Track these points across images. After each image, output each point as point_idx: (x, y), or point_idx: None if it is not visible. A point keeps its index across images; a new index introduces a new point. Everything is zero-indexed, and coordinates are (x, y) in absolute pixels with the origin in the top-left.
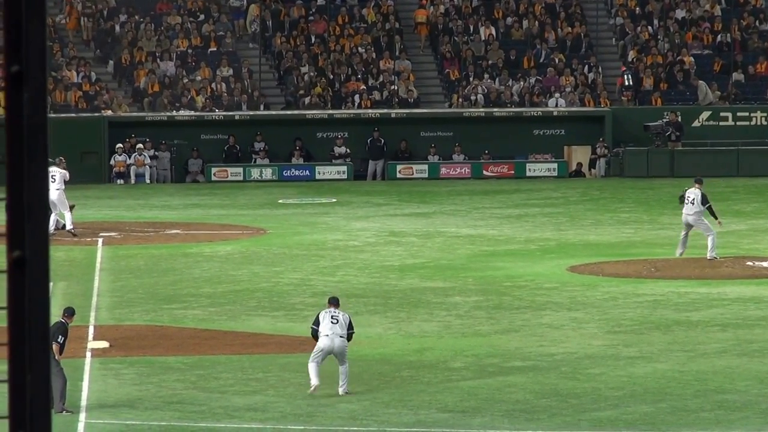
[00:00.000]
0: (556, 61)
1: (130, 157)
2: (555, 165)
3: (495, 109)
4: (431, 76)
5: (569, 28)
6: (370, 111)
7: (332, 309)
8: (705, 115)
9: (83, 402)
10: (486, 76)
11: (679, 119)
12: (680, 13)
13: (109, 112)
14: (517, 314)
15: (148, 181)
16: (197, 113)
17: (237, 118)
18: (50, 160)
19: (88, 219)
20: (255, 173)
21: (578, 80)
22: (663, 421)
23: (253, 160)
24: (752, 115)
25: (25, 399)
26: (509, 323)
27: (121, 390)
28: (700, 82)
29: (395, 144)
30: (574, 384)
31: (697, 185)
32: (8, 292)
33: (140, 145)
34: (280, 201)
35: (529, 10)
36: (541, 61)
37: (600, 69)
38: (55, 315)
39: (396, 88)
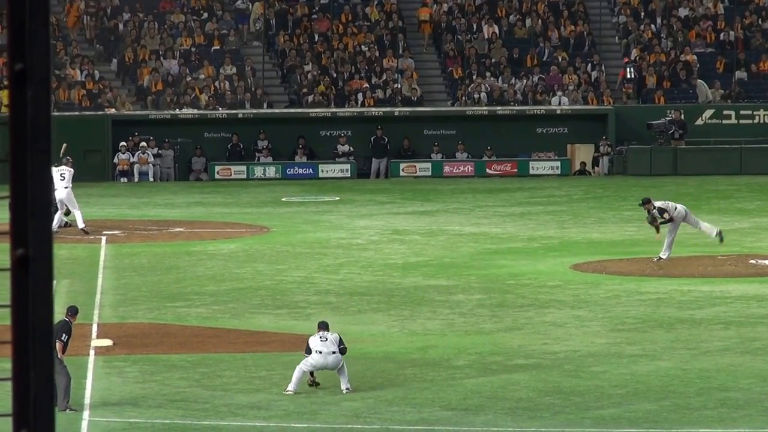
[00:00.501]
0: (559, 59)
1: (133, 156)
2: (558, 163)
3: (498, 108)
4: (434, 74)
5: (572, 27)
6: (373, 109)
7: (321, 332)
8: (708, 113)
9: (87, 400)
10: (489, 74)
11: (683, 117)
12: (683, 12)
13: (113, 111)
14: (521, 312)
15: (151, 179)
16: (200, 111)
17: (240, 116)
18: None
19: (92, 217)
20: (258, 171)
21: (581, 78)
22: (666, 419)
23: (257, 158)
24: (755, 113)
25: (28, 397)
26: (512, 321)
27: (124, 388)
28: (699, 81)
29: (398, 142)
30: (577, 382)
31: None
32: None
33: (143, 144)
34: (283, 199)
35: (532, 9)
36: (544, 59)
37: (603, 67)
38: (59, 313)
39: (399, 86)
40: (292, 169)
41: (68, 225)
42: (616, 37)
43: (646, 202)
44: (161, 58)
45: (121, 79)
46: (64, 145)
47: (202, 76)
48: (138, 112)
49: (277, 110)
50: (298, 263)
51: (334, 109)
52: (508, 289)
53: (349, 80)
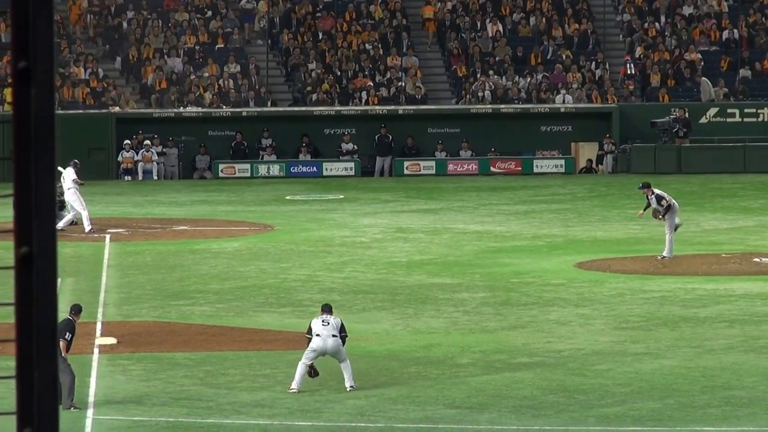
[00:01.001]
0: (563, 57)
1: (137, 154)
2: (562, 161)
3: (502, 106)
4: (438, 72)
5: (576, 25)
6: (377, 107)
7: (324, 315)
8: (712, 111)
9: (91, 398)
10: (493, 72)
11: (687, 115)
12: (687, 10)
13: (117, 109)
14: (525, 310)
15: (155, 177)
16: (205, 110)
17: (244, 114)
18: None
19: (96, 215)
20: (262, 170)
21: (585, 77)
22: (670, 418)
23: (261, 156)
24: (759, 111)
25: (32, 395)
26: (516, 319)
27: (128, 386)
28: (703, 79)
29: (402, 140)
30: (581, 380)
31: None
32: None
33: (148, 142)
34: (287, 197)
35: (537, 7)
36: (549, 57)
37: (607, 65)
38: (63, 311)
39: (403, 84)
40: (296, 168)
41: (74, 223)
42: (620, 35)
43: (646, 187)
44: (165, 56)
45: (125, 78)
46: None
47: (206, 75)
48: (142, 111)
49: (281, 108)
50: (302, 261)
51: (338, 108)
52: (512, 287)
53: (353, 78)
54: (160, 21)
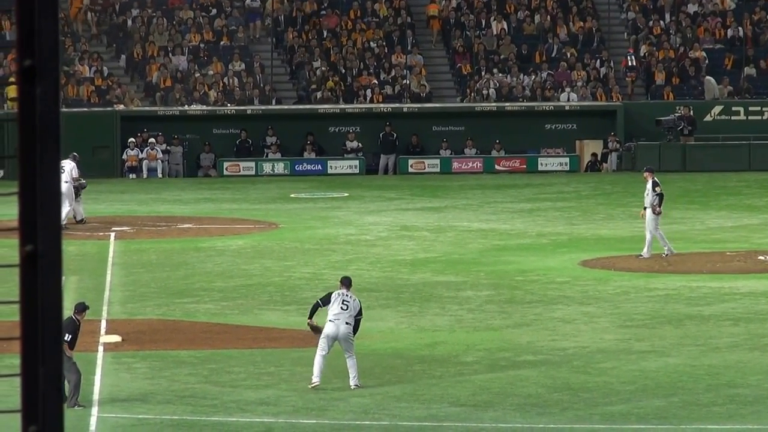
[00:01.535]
0: (568, 55)
1: (142, 152)
2: (567, 159)
3: (507, 104)
4: (443, 70)
5: (581, 23)
6: (382, 105)
7: (344, 291)
8: (717, 109)
9: (95, 396)
10: (498, 70)
11: (692, 114)
12: (692, 8)
13: (121, 107)
14: (529, 308)
15: (160, 175)
16: (209, 108)
17: (249, 112)
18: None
19: (101, 213)
20: (267, 168)
21: (590, 75)
22: (675, 416)
23: (265, 154)
24: (764, 109)
25: (37, 393)
26: (521, 317)
27: (133, 384)
28: (707, 78)
29: (407, 138)
30: (585, 378)
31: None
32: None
33: (152, 140)
34: (292, 195)
35: (541, 5)
36: (553, 55)
37: (612, 63)
38: (67, 309)
39: (408, 82)
40: (300, 165)
41: (82, 221)
42: (625, 34)
43: (650, 171)
44: (170, 54)
45: (130, 76)
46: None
47: (210, 73)
48: (147, 109)
49: (285, 106)
50: (307, 259)
51: (342, 106)
52: (516, 285)
53: (358, 76)
54: (164, 19)
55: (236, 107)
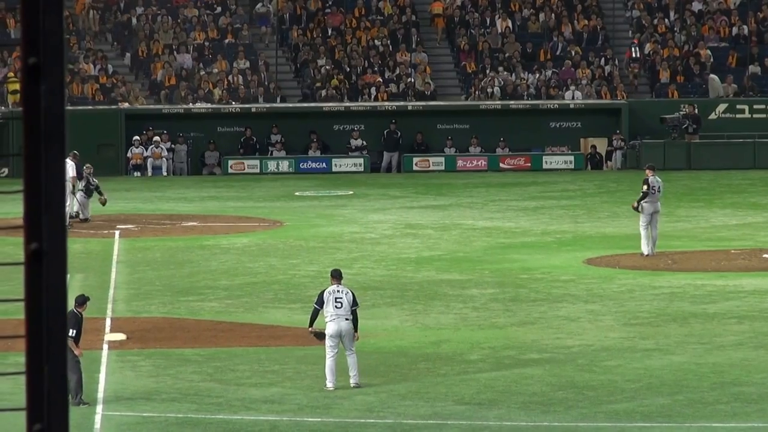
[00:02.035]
0: (573, 53)
1: (146, 150)
2: (572, 157)
3: (511, 102)
4: (448, 68)
5: (586, 21)
6: (386, 103)
7: (335, 286)
8: (721, 107)
9: (100, 394)
10: (502, 68)
11: (696, 112)
12: (697, 6)
13: (126, 105)
14: (534, 306)
15: (164, 173)
16: (214, 106)
17: (254, 110)
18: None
19: (105, 211)
20: (272, 166)
21: (595, 73)
22: (679, 414)
23: (270, 152)
24: None
25: (42, 391)
26: (526, 315)
27: (138, 382)
28: (711, 76)
29: (411, 136)
30: (590, 376)
31: (653, 172)
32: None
33: (157, 138)
34: (296, 193)
35: (546, 3)
36: (558, 53)
37: (616, 61)
38: (72, 307)
39: (412, 80)
40: (305, 164)
41: (87, 219)
42: (630, 32)
43: (650, 168)
44: (174, 52)
45: (135, 74)
46: None
47: (215, 71)
48: (151, 107)
49: (290, 104)
50: (312, 257)
51: (347, 104)
52: (521, 283)
53: (363, 74)
54: (169, 17)
55: (241, 105)
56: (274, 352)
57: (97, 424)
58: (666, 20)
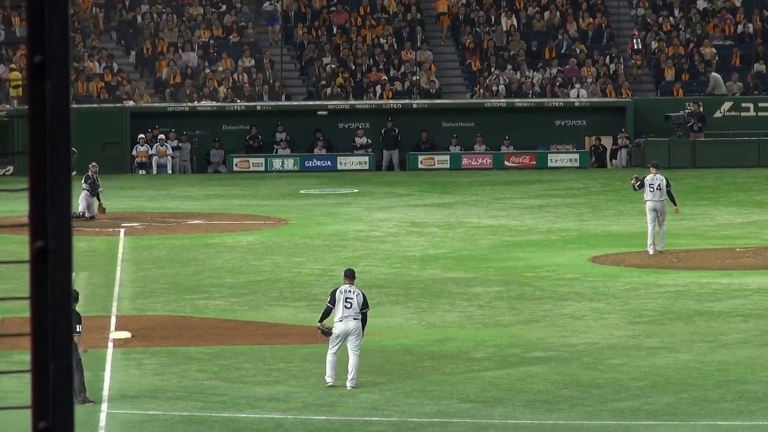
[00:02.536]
0: (578, 51)
1: (152, 148)
2: (576, 155)
3: (516, 100)
4: (453, 66)
5: (591, 19)
6: (391, 101)
7: (347, 286)
8: (726, 105)
9: (105, 392)
10: (508, 66)
11: (701, 110)
12: (702, 4)
13: (131, 103)
14: (539, 304)
15: (169, 171)
16: (219, 104)
17: (259, 108)
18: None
19: (110, 209)
20: (277, 164)
21: (600, 71)
22: (684, 412)
23: (275, 150)
24: None
25: (47, 389)
26: (531, 313)
27: (143, 380)
28: (713, 74)
29: (416, 135)
30: (595, 374)
31: (656, 170)
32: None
33: (162, 136)
34: (301, 191)
35: (551, 1)
36: (563, 51)
37: (621, 60)
38: (77, 305)
39: (418, 78)
40: (310, 162)
41: (92, 217)
42: (635, 30)
43: (654, 166)
44: (180, 50)
45: (140, 72)
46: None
47: (220, 69)
48: (156, 105)
49: (295, 102)
50: (317, 255)
51: (352, 102)
52: (526, 281)
53: (368, 72)
54: (174, 15)
55: (246, 103)
56: (279, 350)
57: (102, 422)
58: (671, 18)
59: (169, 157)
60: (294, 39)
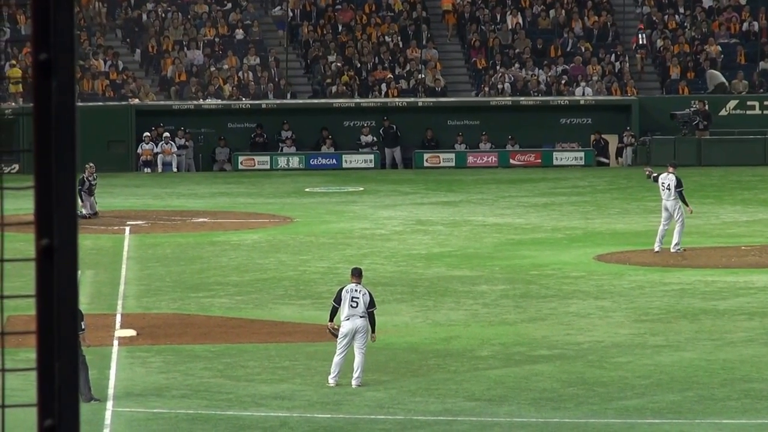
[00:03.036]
0: (583, 50)
1: (157, 146)
2: (582, 154)
3: (522, 98)
4: (458, 64)
5: (596, 17)
6: (396, 100)
7: (354, 285)
8: (732, 104)
9: (110, 390)
10: (514, 64)
11: (707, 108)
12: (707, 2)
13: (136, 101)
14: (544, 303)
15: (175, 169)
16: (224, 102)
17: (264, 106)
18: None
19: (116, 207)
20: (282, 162)
21: (605, 69)
22: (689, 410)
23: (280, 148)
24: None
25: (53, 387)
26: (536, 312)
27: (148, 378)
28: (711, 71)
29: (421, 133)
30: (600, 372)
31: (673, 169)
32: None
33: (167, 134)
34: (306, 189)
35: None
36: (568, 49)
37: (627, 58)
38: (83, 303)
39: (423, 76)
40: (315, 160)
41: (95, 214)
42: (640, 24)
43: (671, 165)
44: (185, 48)
45: (145, 70)
46: None
47: (225, 67)
48: (162, 103)
49: (300, 101)
50: (322, 254)
51: (357, 100)
52: (531, 279)
53: (373, 71)
54: (179, 13)
55: (251, 101)
56: (284, 348)
57: (108, 420)
58: (676, 16)
59: (174, 155)
60: (299, 37)
